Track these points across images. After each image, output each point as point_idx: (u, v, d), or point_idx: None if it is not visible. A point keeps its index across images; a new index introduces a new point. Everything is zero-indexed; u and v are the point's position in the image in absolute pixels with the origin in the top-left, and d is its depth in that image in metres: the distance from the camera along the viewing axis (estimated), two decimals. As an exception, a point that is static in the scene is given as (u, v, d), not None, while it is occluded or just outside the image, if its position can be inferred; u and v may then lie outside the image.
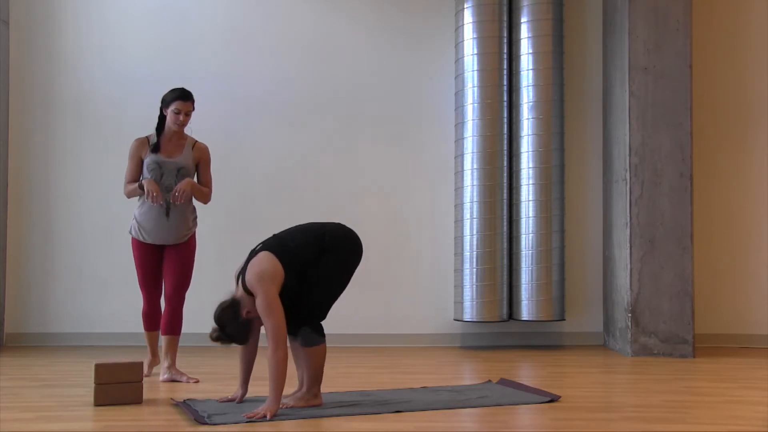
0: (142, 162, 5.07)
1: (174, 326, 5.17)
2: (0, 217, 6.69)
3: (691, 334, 6.15)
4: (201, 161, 5.18)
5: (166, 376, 5.12)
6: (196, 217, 5.24)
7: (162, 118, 5.10)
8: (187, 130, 5.17)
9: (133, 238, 5.17)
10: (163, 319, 5.20)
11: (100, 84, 6.90)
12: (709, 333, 6.75)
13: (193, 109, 5.12)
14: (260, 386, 4.89)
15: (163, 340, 5.20)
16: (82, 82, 6.90)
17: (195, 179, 5.17)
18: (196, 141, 5.20)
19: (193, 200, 5.19)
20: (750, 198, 6.86)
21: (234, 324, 4.14)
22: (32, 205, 6.85)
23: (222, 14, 6.99)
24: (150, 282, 5.18)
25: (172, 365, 5.14)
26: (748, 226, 6.86)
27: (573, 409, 4.26)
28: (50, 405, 4.33)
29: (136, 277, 5.24)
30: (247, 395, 4.47)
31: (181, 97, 5.04)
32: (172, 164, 5.06)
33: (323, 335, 4.24)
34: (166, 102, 5.07)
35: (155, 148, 5.06)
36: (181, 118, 5.04)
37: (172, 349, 5.17)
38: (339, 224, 4.41)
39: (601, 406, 4.41)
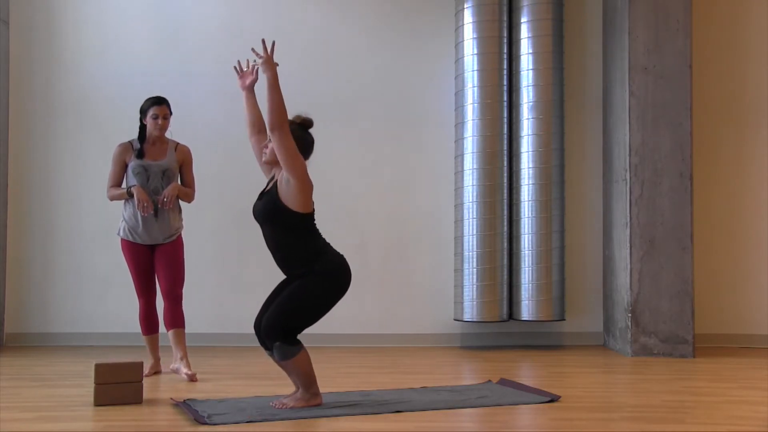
0: (125, 166, 5.24)
1: (176, 320, 5.22)
2: (0, 217, 6.69)
3: (691, 334, 6.15)
4: (184, 163, 5.36)
5: (175, 365, 5.18)
6: (181, 217, 5.37)
7: (143, 128, 5.28)
8: (167, 134, 5.33)
9: (122, 240, 5.27)
10: (164, 316, 5.24)
11: (100, 84, 6.90)
12: (709, 333, 6.74)
13: (170, 113, 5.32)
14: (264, 387, 4.89)
15: (169, 335, 5.22)
16: (82, 81, 6.90)
17: (178, 180, 5.33)
18: (178, 143, 5.37)
19: (178, 204, 5.35)
20: (750, 198, 6.86)
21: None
22: (32, 205, 6.85)
23: (222, 14, 6.98)
24: (145, 283, 5.27)
25: (184, 356, 5.17)
26: (748, 226, 6.86)
27: (573, 409, 4.26)
28: (50, 405, 4.33)
29: (132, 281, 5.30)
30: (248, 396, 4.47)
31: (156, 102, 5.27)
32: (157, 167, 5.23)
33: (297, 343, 4.16)
34: (143, 111, 5.28)
35: (140, 154, 5.23)
36: (160, 121, 5.23)
37: (182, 342, 5.20)
38: (341, 256, 4.28)
39: (601, 406, 4.41)
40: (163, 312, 5.25)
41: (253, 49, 4.27)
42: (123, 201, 5.25)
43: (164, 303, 5.24)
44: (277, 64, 4.18)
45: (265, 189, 4.34)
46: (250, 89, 4.42)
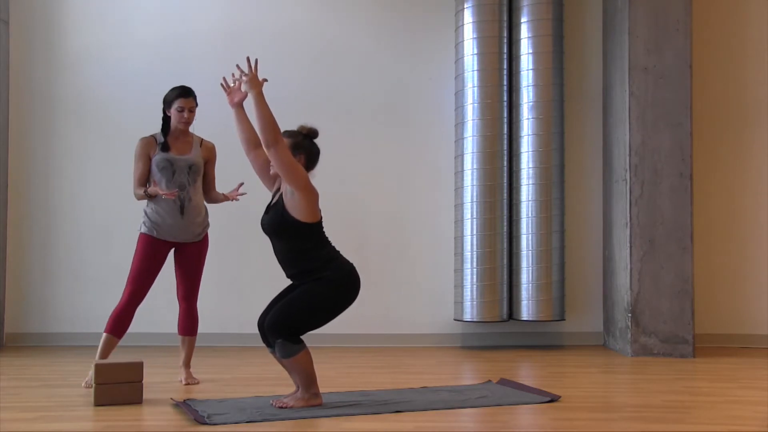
0: (150, 161, 4.96)
1: (193, 327, 5.09)
2: (0, 217, 6.69)
3: (691, 334, 6.15)
4: (209, 159, 5.16)
5: (183, 376, 5.07)
6: (208, 216, 5.19)
7: (166, 119, 5.04)
8: (191, 129, 5.13)
9: (142, 234, 4.95)
10: (181, 319, 5.08)
11: (100, 84, 6.90)
12: (709, 333, 6.75)
13: (197, 105, 5.09)
14: (264, 387, 4.89)
15: (181, 339, 5.10)
16: (82, 81, 6.90)
17: (202, 176, 5.11)
18: (203, 139, 5.18)
19: (203, 201, 5.14)
20: (750, 198, 6.86)
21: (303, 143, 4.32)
22: (32, 205, 6.85)
23: (222, 14, 6.99)
24: (142, 279, 4.90)
25: (187, 364, 5.08)
26: (748, 226, 6.86)
27: (573, 409, 4.26)
28: (50, 405, 4.33)
29: (129, 271, 4.96)
30: (248, 396, 4.46)
31: (183, 94, 5.00)
32: (183, 161, 4.99)
33: (300, 342, 4.16)
34: (168, 102, 5.02)
35: (164, 147, 4.98)
36: (186, 115, 4.98)
37: (190, 349, 5.09)
38: (351, 265, 4.33)
39: (601, 406, 4.41)
40: (180, 316, 5.08)
41: (237, 66, 4.22)
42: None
43: (182, 306, 5.07)
44: (266, 80, 4.15)
45: (271, 202, 4.33)
46: (239, 106, 4.35)
